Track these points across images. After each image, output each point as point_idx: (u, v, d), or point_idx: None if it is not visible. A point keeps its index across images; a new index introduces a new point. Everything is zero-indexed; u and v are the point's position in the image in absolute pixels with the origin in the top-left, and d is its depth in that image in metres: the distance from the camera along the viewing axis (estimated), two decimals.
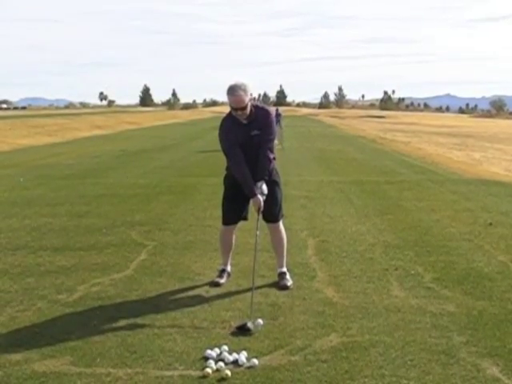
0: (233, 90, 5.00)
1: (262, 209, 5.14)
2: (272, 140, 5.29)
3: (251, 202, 5.19)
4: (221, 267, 5.59)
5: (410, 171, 15.15)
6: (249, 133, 5.10)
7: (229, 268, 5.60)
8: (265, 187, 5.13)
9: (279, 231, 5.51)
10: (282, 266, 5.50)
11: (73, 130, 39.28)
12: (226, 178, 5.44)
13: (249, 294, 5.11)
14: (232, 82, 5.08)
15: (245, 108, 5.02)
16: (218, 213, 8.81)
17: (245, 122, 5.11)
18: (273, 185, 5.31)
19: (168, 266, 6.00)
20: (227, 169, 5.37)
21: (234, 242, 5.63)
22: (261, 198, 5.10)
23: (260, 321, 4.36)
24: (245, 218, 5.50)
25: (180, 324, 4.43)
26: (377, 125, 54.51)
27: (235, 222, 5.49)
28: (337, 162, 17.84)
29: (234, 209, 5.40)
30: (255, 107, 5.16)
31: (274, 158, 5.37)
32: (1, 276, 5.73)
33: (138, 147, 24.53)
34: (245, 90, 5.02)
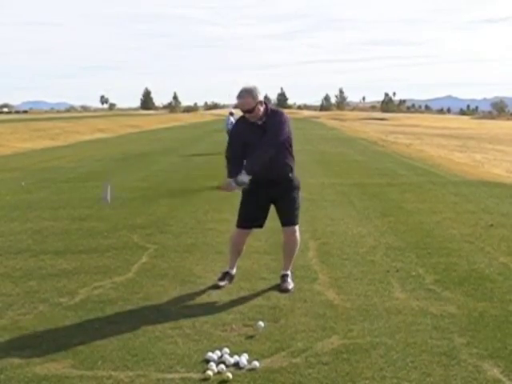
0: (239, 94, 5.10)
1: (226, 190, 5.31)
2: (279, 141, 5.14)
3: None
4: (225, 269, 5.57)
5: (412, 173, 15.15)
6: (261, 134, 5.11)
7: (234, 271, 5.58)
8: (244, 179, 5.09)
9: (295, 236, 5.47)
10: (287, 269, 5.49)
11: (75, 134, 39.34)
12: None
13: (250, 296, 5.13)
14: (242, 86, 5.14)
15: (252, 111, 5.07)
16: (219, 216, 8.91)
17: (259, 122, 5.15)
18: (292, 190, 5.35)
19: (169, 269, 6.01)
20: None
21: (244, 247, 5.62)
22: (233, 185, 5.15)
23: (261, 323, 4.37)
24: (260, 226, 5.47)
25: (181, 327, 4.43)
26: (378, 127, 54.54)
27: (249, 227, 5.46)
28: (338, 164, 17.84)
29: (250, 214, 5.38)
30: (271, 110, 5.20)
31: (291, 168, 5.34)
32: (3, 279, 5.74)
33: (140, 150, 24.56)
34: (251, 93, 5.06)
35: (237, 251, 5.58)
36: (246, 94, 5.07)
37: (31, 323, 4.55)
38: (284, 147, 5.23)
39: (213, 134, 38.45)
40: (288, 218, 5.40)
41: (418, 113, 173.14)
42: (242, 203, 5.46)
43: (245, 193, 5.38)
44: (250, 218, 5.41)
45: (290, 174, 5.32)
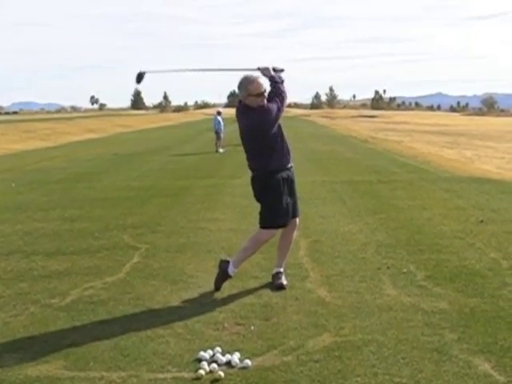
0: (253, 78, 5.07)
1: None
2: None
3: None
4: (234, 272, 5.32)
5: (403, 170, 15.19)
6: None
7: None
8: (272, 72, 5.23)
9: (296, 229, 5.55)
10: (280, 267, 5.46)
11: (65, 134, 39.22)
12: (273, 176, 5.15)
13: (242, 295, 5.13)
14: (243, 76, 5.12)
15: (266, 91, 5.10)
16: (211, 215, 8.91)
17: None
18: (294, 183, 5.37)
19: (161, 269, 6.00)
20: (270, 166, 5.13)
21: None
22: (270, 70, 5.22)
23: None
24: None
25: (173, 326, 4.42)
26: (369, 124, 54.63)
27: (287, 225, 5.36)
28: (329, 162, 17.87)
29: (289, 210, 5.25)
30: None
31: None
32: None
33: (131, 150, 24.51)
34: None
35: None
36: (258, 77, 5.09)
37: (22, 324, 4.54)
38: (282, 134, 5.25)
39: (204, 133, 38.38)
40: (297, 209, 5.42)
41: (408, 110, 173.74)
42: (282, 198, 5.15)
43: (279, 187, 5.13)
44: (289, 214, 5.28)
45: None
